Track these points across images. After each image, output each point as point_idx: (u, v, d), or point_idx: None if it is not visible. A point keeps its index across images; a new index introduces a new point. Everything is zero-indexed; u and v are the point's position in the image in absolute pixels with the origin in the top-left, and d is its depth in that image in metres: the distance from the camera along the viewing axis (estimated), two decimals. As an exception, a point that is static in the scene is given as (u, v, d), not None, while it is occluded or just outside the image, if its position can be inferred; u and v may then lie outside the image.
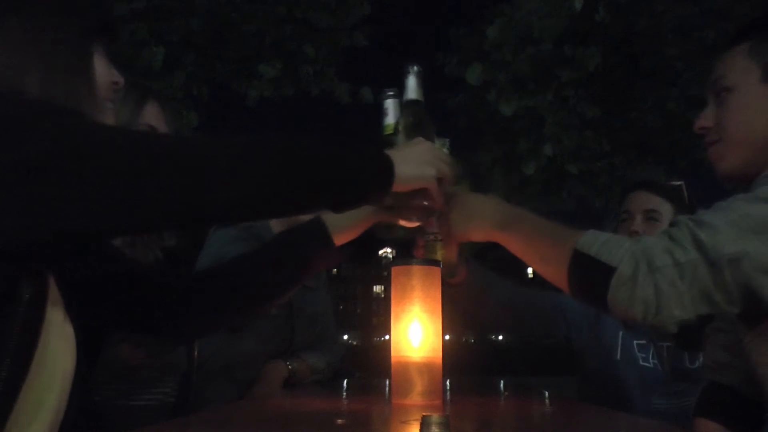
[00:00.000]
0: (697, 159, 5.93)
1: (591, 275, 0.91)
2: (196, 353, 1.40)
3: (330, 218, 1.09)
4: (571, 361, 1.76)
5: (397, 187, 0.92)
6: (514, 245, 1.06)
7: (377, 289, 58.55)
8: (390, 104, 1.14)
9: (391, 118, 1.14)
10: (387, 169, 0.90)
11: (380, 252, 1.30)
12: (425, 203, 1.01)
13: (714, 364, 1.28)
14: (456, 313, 1.40)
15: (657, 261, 0.85)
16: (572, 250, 0.93)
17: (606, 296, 0.88)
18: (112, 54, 0.86)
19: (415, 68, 1.12)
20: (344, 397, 1.27)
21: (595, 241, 0.92)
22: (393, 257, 1.21)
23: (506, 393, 1.33)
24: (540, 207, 7.01)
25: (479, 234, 1.10)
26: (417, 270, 1.07)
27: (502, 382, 1.46)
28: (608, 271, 0.88)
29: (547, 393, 1.25)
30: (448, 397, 1.15)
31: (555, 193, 6.33)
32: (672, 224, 0.91)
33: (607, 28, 5.61)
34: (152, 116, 1.29)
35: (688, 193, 1.72)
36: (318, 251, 1.09)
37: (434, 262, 1.10)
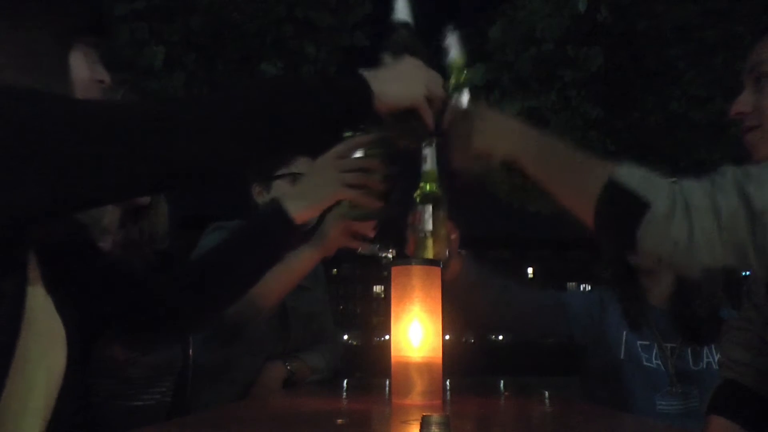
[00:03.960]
0: (699, 159, 5.93)
1: (623, 207, 0.86)
2: (191, 351, 1.40)
3: (288, 197, 1.10)
4: (573, 360, 1.75)
5: (382, 107, 0.88)
6: (537, 170, 1.01)
7: (377, 289, 58.58)
8: (451, 41, 1.15)
9: (455, 53, 1.15)
10: (362, 92, 0.85)
11: (380, 252, 1.31)
12: (416, 124, 0.96)
13: (730, 362, 1.26)
14: (451, 309, 1.39)
15: (696, 201, 0.81)
16: (606, 180, 0.88)
17: (635, 231, 0.84)
18: (106, 53, 0.85)
19: None
20: (344, 397, 1.26)
21: (633, 174, 0.88)
22: (393, 257, 1.21)
23: (506, 393, 1.33)
24: (544, 208, 7.01)
25: (500, 153, 1.05)
26: (417, 270, 1.06)
27: (502, 382, 1.45)
28: (643, 205, 0.84)
29: (547, 393, 1.25)
30: (448, 397, 1.14)
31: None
32: (716, 173, 0.86)
33: (609, 28, 5.61)
34: None
35: None
36: (280, 232, 1.08)
37: (434, 262, 1.10)
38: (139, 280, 1.02)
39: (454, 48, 1.15)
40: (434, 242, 1.23)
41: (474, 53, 5.83)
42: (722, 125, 5.62)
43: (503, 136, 1.05)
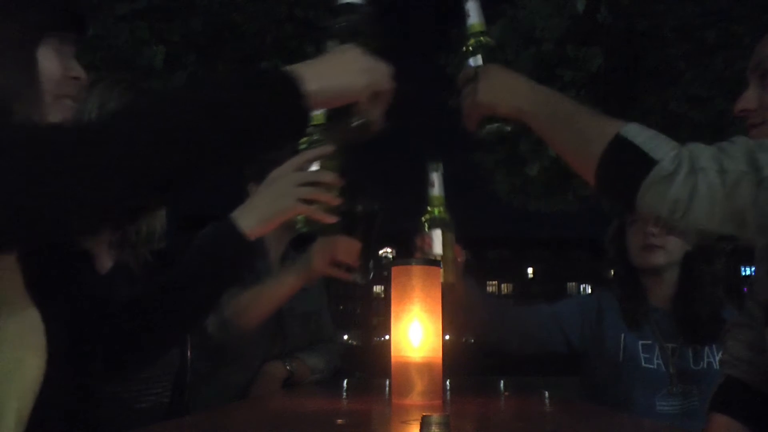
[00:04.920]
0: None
1: (628, 164, 0.86)
2: (189, 352, 1.39)
3: (241, 213, 1.06)
4: (573, 360, 1.76)
5: (319, 105, 0.79)
6: (543, 124, 1.00)
7: (377, 289, 58.57)
8: (471, 5, 1.13)
9: (474, 19, 1.13)
10: (290, 95, 0.74)
11: (380, 252, 1.32)
12: (359, 121, 0.87)
13: (733, 360, 1.26)
14: (452, 327, 1.42)
15: (703, 163, 0.81)
16: (614, 136, 0.88)
17: (637, 189, 0.83)
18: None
19: None
20: (344, 397, 1.26)
21: (641, 132, 0.87)
22: (393, 257, 1.22)
23: (506, 393, 1.33)
24: (544, 208, 7.01)
25: (506, 108, 1.05)
26: (417, 270, 1.06)
27: (502, 382, 1.45)
28: (648, 162, 0.83)
29: (547, 393, 1.25)
30: (448, 397, 1.14)
31: (559, 194, 6.31)
32: (727, 141, 0.86)
33: (609, 28, 5.61)
34: None
35: None
36: (232, 251, 1.05)
37: (434, 262, 1.10)
38: (122, 299, 1.01)
39: (473, 12, 1.14)
40: (443, 266, 1.24)
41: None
42: (722, 125, 5.62)
43: (510, 90, 1.05)
